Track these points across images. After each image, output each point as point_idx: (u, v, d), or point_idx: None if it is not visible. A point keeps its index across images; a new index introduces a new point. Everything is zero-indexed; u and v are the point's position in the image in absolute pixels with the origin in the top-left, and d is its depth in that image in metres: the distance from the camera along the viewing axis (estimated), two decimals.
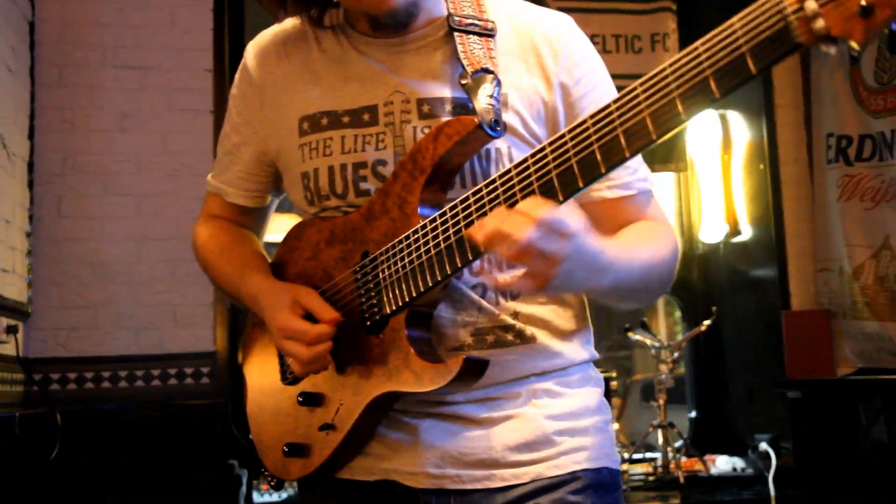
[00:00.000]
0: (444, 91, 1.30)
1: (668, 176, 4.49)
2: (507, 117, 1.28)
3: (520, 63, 1.32)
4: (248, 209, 1.52)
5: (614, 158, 1.04)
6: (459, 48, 1.28)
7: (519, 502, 1.27)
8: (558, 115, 1.32)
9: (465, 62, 1.27)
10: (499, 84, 1.26)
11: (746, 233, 4.37)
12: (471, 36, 1.30)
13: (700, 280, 4.59)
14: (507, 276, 1.12)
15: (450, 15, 1.31)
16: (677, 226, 4.62)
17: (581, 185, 1.07)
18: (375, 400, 1.25)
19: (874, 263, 3.67)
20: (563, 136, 1.08)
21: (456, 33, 1.30)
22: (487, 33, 1.31)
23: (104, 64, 3.60)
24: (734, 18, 0.94)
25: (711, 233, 4.46)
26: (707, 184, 4.46)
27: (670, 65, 0.99)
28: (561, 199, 1.08)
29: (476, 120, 1.18)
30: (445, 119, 1.27)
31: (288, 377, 1.39)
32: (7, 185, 3.16)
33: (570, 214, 1.06)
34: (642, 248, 1.29)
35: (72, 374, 3.45)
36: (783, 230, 4.13)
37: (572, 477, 1.28)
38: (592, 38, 4.30)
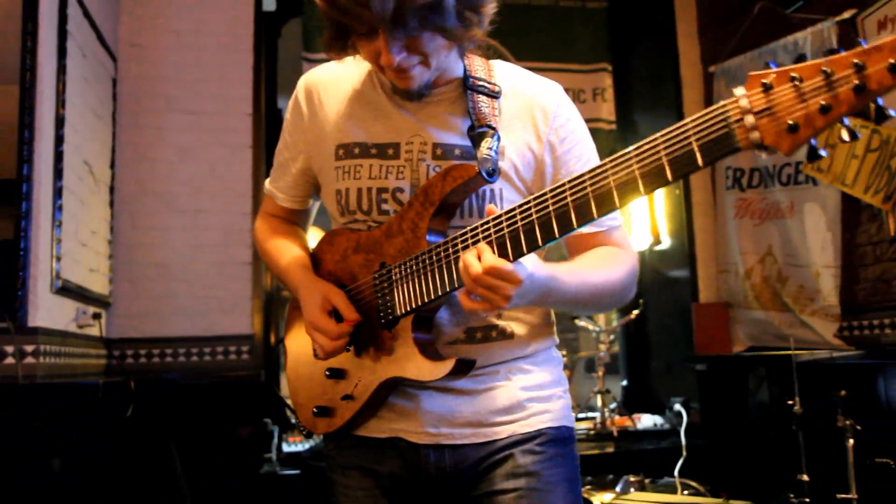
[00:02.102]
0: (455, 139, 1.28)
1: None
2: (503, 165, 1.27)
3: (517, 122, 1.30)
4: (296, 210, 1.50)
5: (584, 219, 1.04)
6: (471, 105, 1.26)
7: (498, 453, 1.28)
8: (545, 167, 1.31)
9: (473, 117, 1.25)
10: (498, 139, 1.24)
11: (666, 242, 4.40)
12: (480, 96, 1.27)
13: None
14: (470, 302, 1.12)
15: (466, 76, 1.29)
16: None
17: (557, 235, 1.06)
18: (386, 381, 1.26)
19: (761, 267, 3.74)
20: (544, 194, 1.07)
21: (469, 92, 1.27)
22: (494, 95, 1.28)
23: (168, 110, 3.63)
24: (689, 119, 0.92)
25: (639, 242, 4.45)
26: (636, 204, 4.27)
27: (635, 149, 0.98)
28: (541, 244, 1.08)
29: (477, 168, 1.18)
30: (454, 162, 1.26)
31: (317, 353, 1.37)
32: (93, 204, 3.19)
33: (519, 266, 1.08)
34: (595, 271, 1.27)
35: (142, 350, 3.47)
36: (694, 240, 4.19)
37: (539, 433, 1.30)
38: None
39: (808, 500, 2.63)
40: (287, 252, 1.45)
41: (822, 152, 0.86)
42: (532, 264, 1.12)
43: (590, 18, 4.33)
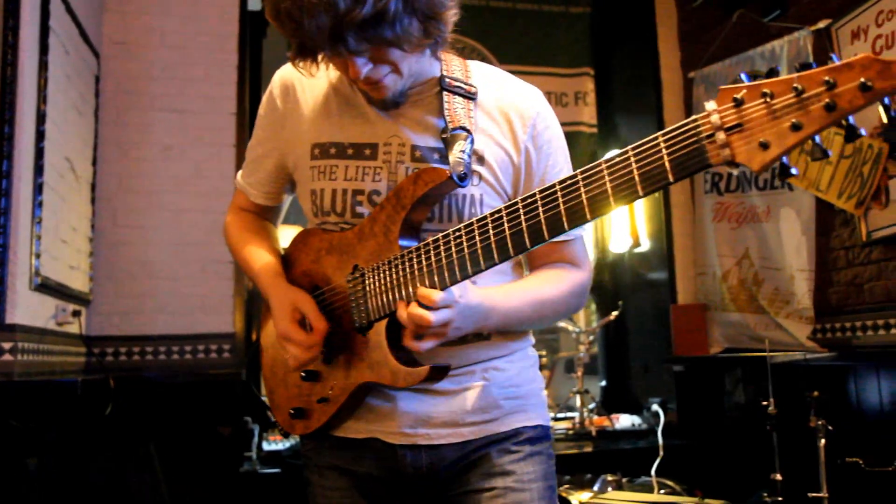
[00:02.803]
0: (433, 142, 1.25)
1: None
2: (482, 170, 1.25)
3: (495, 126, 1.27)
4: (268, 207, 1.48)
5: (555, 232, 1.02)
6: (445, 106, 1.23)
7: (475, 453, 1.28)
8: (520, 175, 1.29)
9: (447, 119, 1.22)
10: (472, 141, 1.21)
11: (645, 245, 4.41)
12: (456, 97, 1.25)
13: (610, 281, 4.61)
14: (414, 344, 1.15)
15: (442, 76, 1.26)
16: (593, 240, 4.62)
17: (528, 247, 1.05)
18: (361, 386, 1.25)
19: (737, 269, 3.77)
20: (515, 205, 1.06)
21: (445, 93, 1.25)
22: (470, 96, 1.26)
23: (152, 108, 3.59)
24: (660, 133, 0.90)
25: (619, 245, 4.49)
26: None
27: (605, 162, 0.96)
28: (512, 254, 1.08)
29: (448, 172, 1.16)
30: (432, 164, 1.24)
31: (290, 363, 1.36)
32: (75, 201, 3.15)
33: (448, 293, 1.10)
34: (538, 291, 1.28)
35: (123, 348, 3.42)
36: (672, 243, 4.21)
37: (515, 432, 1.30)
38: None
39: (780, 498, 2.66)
40: (258, 255, 1.41)
41: (794, 170, 0.85)
42: (460, 288, 1.14)
43: (573, 23, 4.36)
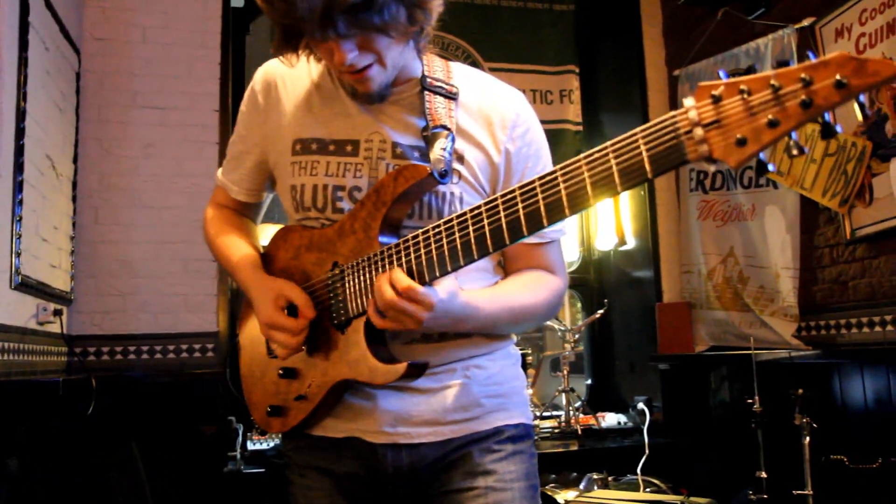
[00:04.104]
0: (414, 140, 1.26)
1: None
2: (462, 169, 1.26)
3: (475, 126, 1.28)
4: (249, 203, 1.48)
5: (534, 227, 1.02)
6: (427, 105, 1.25)
7: (456, 451, 1.28)
8: (499, 175, 1.30)
9: (428, 118, 1.24)
10: (452, 139, 1.22)
11: (631, 243, 4.41)
12: (437, 96, 1.26)
13: (595, 279, 4.60)
14: (380, 320, 1.14)
15: (424, 76, 1.28)
16: (579, 238, 4.62)
17: (507, 243, 1.05)
18: (339, 383, 1.25)
19: (722, 267, 3.77)
20: (495, 200, 1.06)
21: (426, 92, 1.26)
22: (451, 96, 1.27)
23: (134, 105, 3.57)
24: (638, 129, 0.90)
25: (604, 242, 4.48)
26: (601, 205, 4.43)
27: (584, 157, 0.96)
28: (491, 250, 1.07)
29: (428, 169, 1.17)
30: (413, 162, 1.24)
31: (271, 353, 1.37)
32: (55, 199, 3.12)
33: (432, 290, 1.10)
34: (516, 297, 1.28)
35: (105, 347, 3.41)
36: (657, 241, 4.21)
37: (496, 431, 1.30)
38: None
39: (765, 496, 2.68)
40: (238, 249, 1.41)
41: (771, 166, 0.85)
42: (447, 291, 1.13)
43: (557, 21, 4.36)
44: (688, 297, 4.02)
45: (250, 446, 3.51)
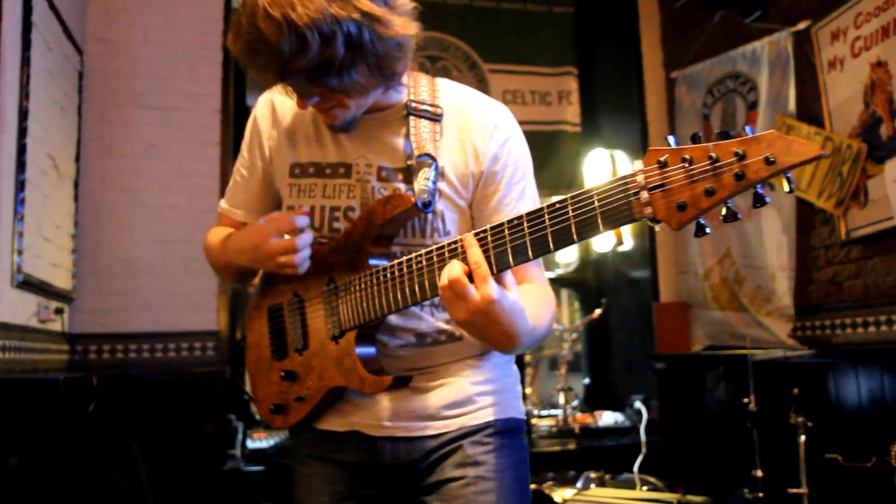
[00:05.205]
0: (397, 163, 1.31)
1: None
2: (443, 186, 1.30)
3: (457, 142, 1.31)
4: None
5: (502, 268, 1.08)
6: (412, 131, 1.29)
7: (449, 444, 1.33)
8: (479, 185, 1.32)
9: (413, 144, 1.28)
10: (436, 168, 1.27)
11: (628, 244, 4.42)
12: (422, 120, 1.30)
13: (593, 279, 4.62)
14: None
15: (409, 101, 1.31)
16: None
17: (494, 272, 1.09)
18: (332, 389, 1.34)
19: (719, 268, 3.78)
20: (484, 232, 1.10)
21: (411, 117, 1.30)
22: (435, 118, 1.31)
23: (136, 105, 3.58)
24: (594, 187, 0.97)
25: (602, 243, 4.47)
26: None
27: (547, 207, 1.03)
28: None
29: (413, 199, 1.23)
30: (396, 184, 1.30)
31: (274, 355, 1.44)
32: (57, 198, 3.13)
33: (479, 287, 1.06)
34: (538, 323, 1.22)
35: (106, 346, 3.41)
36: (655, 242, 4.24)
37: (487, 425, 1.34)
38: (514, 93, 4.54)
39: (761, 494, 2.69)
40: (224, 238, 1.45)
41: (708, 230, 0.90)
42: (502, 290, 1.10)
43: (556, 23, 4.37)
44: (685, 297, 4.03)
45: (250, 444, 3.52)
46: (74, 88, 3.39)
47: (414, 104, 1.31)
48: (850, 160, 3.06)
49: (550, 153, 4.14)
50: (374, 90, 1.23)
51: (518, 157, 1.35)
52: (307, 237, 1.28)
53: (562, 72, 4.33)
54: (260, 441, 3.53)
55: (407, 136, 1.31)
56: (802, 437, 2.60)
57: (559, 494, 2.85)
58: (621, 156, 4.45)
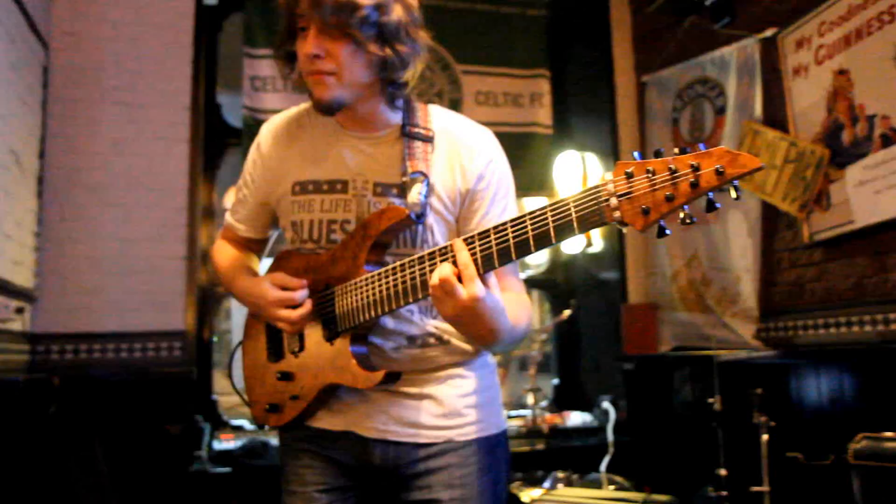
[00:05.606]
0: (392, 179, 1.44)
1: (543, 200, 4.62)
2: (433, 201, 1.43)
3: (447, 161, 1.44)
4: (255, 240, 1.66)
5: (503, 261, 1.19)
6: (406, 151, 1.43)
7: (435, 456, 1.44)
8: (466, 201, 1.45)
9: (407, 163, 1.41)
10: (427, 184, 1.40)
11: (598, 245, 4.44)
12: (416, 141, 1.43)
13: (563, 280, 4.60)
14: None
15: (404, 124, 1.45)
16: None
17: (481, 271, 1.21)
18: (326, 387, 1.44)
19: (686, 270, 3.85)
20: (472, 237, 1.22)
21: (405, 138, 1.44)
22: (428, 139, 1.44)
23: (103, 101, 3.53)
24: (570, 196, 1.11)
25: (572, 245, 4.43)
26: None
27: (529, 214, 1.16)
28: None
29: (407, 211, 1.36)
30: (391, 199, 1.43)
31: (270, 357, 1.55)
32: (20, 195, 3.08)
33: (467, 286, 1.19)
34: (517, 323, 1.36)
35: (69, 346, 3.35)
36: (624, 244, 4.28)
37: (472, 442, 1.46)
38: (487, 94, 4.56)
39: (725, 493, 2.73)
40: (235, 269, 1.62)
41: (668, 231, 1.04)
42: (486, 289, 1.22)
43: (529, 25, 4.38)
44: (653, 298, 4.08)
45: (217, 446, 3.49)
46: (39, 83, 3.33)
47: (409, 127, 1.45)
48: (814, 165, 3.13)
49: (522, 155, 4.16)
50: (365, 69, 1.36)
51: (500, 177, 1.48)
52: (304, 310, 1.42)
53: (534, 74, 4.33)
54: (226, 442, 3.50)
55: (402, 154, 1.44)
56: (765, 437, 2.66)
57: (527, 494, 2.87)
58: (592, 158, 4.46)
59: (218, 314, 5.05)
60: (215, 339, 4.12)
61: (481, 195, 1.45)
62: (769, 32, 3.42)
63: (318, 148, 1.50)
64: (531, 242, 1.16)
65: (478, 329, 1.26)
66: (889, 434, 2.26)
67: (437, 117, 1.49)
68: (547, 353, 4.53)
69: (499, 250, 1.19)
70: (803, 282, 3.27)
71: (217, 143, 3.95)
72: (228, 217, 1.67)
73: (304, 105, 1.53)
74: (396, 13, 1.34)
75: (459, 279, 1.20)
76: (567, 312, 3.98)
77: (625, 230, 1.07)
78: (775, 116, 3.39)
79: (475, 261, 1.21)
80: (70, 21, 3.53)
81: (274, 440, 3.71)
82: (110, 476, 3.03)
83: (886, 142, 2.82)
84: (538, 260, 4.68)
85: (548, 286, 4.64)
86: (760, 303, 3.47)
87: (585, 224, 1.10)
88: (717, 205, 1.00)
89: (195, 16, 3.74)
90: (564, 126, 4.59)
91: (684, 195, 1.00)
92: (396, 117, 1.47)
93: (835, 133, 3.07)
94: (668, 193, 1.01)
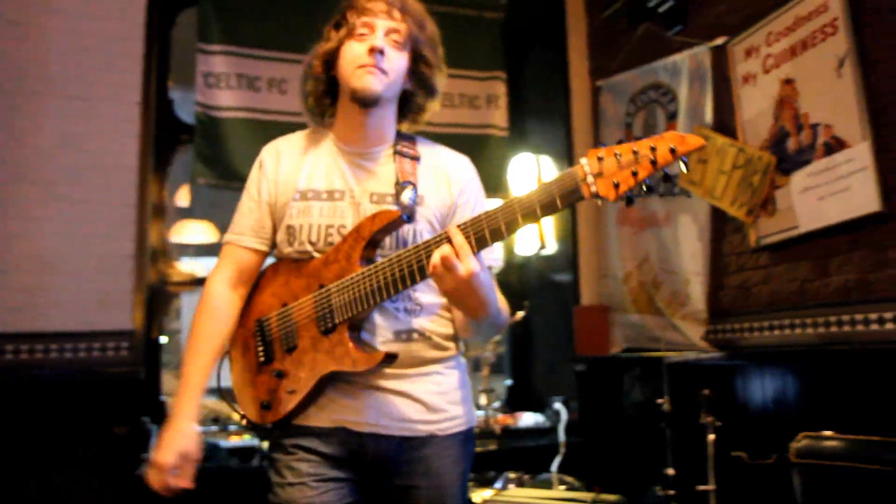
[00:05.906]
0: (386, 189, 1.64)
1: (497, 201, 4.65)
2: (425, 212, 1.64)
3: (433, 177, 1.68)
4: (257, 251, 1.71)
5: (482, 246, 1.38)
6: (397, 166, 1.65)
7: (421, 447, 1.61)
8: (449, 216, 1.67)
9: (398, 174, 1.64)
10: (415, 191, 1.62)
11: (551, 248, 4.49)
12: (405, 159, 1.67)
13: (517, 282, 4.61)
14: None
15: (396, 144, 1.69)
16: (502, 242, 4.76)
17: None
18: (325, 375, 1.56)
19: (638, 272, 3.90)
20: (465, 224, 1.39)
21: (397, 155, 1.67)
22: (415, 159, 1.68)
23: (50, 94, 3.44)
24: (552, 178, 1.34)
25: (526, 247, 4.51)
26: None
27: (516, 197, 1.36)
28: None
29: (398, 212, 1.55)
30: (384, 206, 1.61)
31: (263, 360, 1.65)
32: None
33: (464, 261, 1.37)
34: (501, 308, 1.60)
35: (10, 346, 3.26)
36: (577, 247, 4.33)
37: (451, 435, 1.64)
38: (443, 95, 4.56)
39: (672, 492, 2.79)
40: (196, 364, 1.63)
41: (633, 202, 1.27)
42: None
43: (486, 28, 4.41)
44: (605, 300, 4.13)
45: None
46: None
47: (399, 147, 1.69)
48: (761, 171, 3.22)
49: (478, 156, 4.13)
50: (404, 79, 1.67)
51: (478, 193, 1.73)
52: (179, 486, 1.61)
53: (491, 76, 4.36)
54: None
55: (394, 170, 1.66)
56: (711, 436, 2.72)
57: (478, 495, 2.89)
58: (546, 160, 4.51)
59: (168, 313, 4.97)
60: (165, 339, 4.04)
61: (462, 208, 1.67)
62: (720, 41, 3.51)
63: (319, 163, 1.68)
64: (519, 219, 1.35)
65: (473, 301, 1.43)
66: (829, 433, 2.33)
67: (421, 146, 1.73)
68: (500, 354, 4.47)
69: (490, 230, 1.37)
70: (749, 285, 3.36)
71: (168, 139, 3.88)
72: (229, 236, 1.74)
73: (302, 131, 1.74)
74: (439, 52, 1.70)
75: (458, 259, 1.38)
76: (520, 314, 3.91)
77: (599, 203, 1.28)
78: (725, 123, 3.48)
79: (469, 242, 1.38)
80: (16, 10, 3.44)
81: (223, 442, 3.65)
82: (56, 479, 2.96)
83: (829, 150, 2.91)
84: (492, 262, 4.70)
85: (501, 287, 4.61)
86: (709, 305, 3.55)
87: (566, 199, 1.31)
88: (673, 179, 1.29)
89: (147, 9, 3.68)
90: (520, 128, 4.62)
91: (646, 170, 1.24)
92: (391, 135, 1.70)
93: (781, 140, 3.16)
94: (633, 170, 1.25)
